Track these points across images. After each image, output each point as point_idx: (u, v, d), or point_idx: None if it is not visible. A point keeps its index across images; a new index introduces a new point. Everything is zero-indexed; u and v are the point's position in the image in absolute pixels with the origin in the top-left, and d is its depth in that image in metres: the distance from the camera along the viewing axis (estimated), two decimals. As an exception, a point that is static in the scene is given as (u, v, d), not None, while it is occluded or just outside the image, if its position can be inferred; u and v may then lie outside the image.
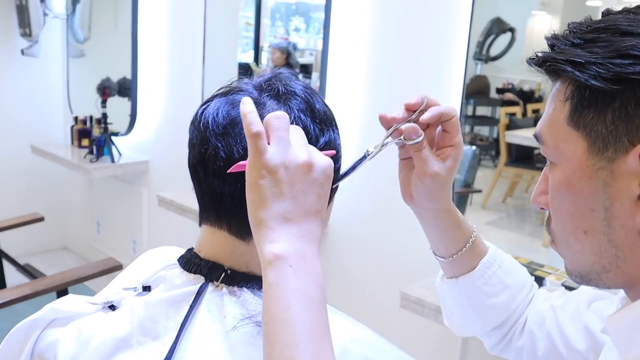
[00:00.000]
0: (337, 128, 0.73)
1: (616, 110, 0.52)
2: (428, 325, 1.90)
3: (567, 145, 0.56)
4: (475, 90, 2.46)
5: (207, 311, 0.67)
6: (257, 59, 3.83)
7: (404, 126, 0.71)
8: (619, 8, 0.57)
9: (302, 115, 0.68)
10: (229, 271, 0.69)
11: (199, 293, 0.68)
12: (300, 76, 3.18)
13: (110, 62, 3.43)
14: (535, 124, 0.61)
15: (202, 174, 0.69)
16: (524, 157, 2.60)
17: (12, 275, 3.04)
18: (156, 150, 3.23)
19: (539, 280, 1.76)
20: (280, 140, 0.60)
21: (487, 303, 0.84)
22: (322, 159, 0.61)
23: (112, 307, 0.74)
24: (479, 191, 2.58)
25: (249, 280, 0.69)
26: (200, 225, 0.73)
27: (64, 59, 3.71)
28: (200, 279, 0.69)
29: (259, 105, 0.68)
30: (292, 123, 0.67)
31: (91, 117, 3.37)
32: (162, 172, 3.21)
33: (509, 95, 2.64)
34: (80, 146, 3.35)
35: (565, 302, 0.83)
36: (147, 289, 0.73)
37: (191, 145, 0.70)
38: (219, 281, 0.69)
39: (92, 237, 3.85)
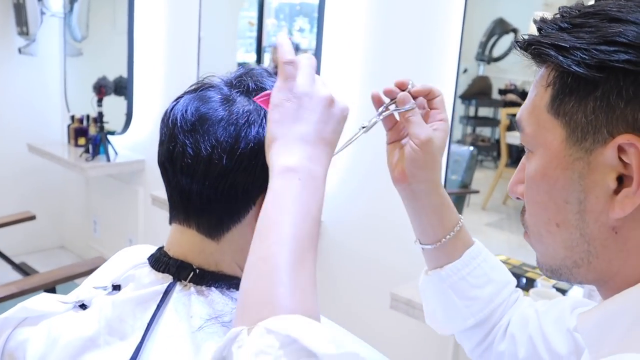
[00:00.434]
0: None
1: (597, 99, 0.50)
2: (418, 326, 1.89)
3: (546, 133, 0.55)
4: (478, 91, 2.45)
5: (174, 311, 0.66)
6: (259, 59, 3.83)
7: (397, 96, 0.76)
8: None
9: None
10: (197, 270, 0.68)
11: (167, 292, 0.67)
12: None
13: (108, 61, 3.43)
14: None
15: (171, 171, 0.68)
16: (525, 159, 2.57)
17: (8, 274, 3.04)
18: (152, 149, 3.22)
19: (531, 282, 1.75)
20: (308, 76, 0.64)
21: (470, 294, 0.82)
22: (342, 101, 0.65)
23: (83, 306, 0.73)
24: (477, 192, 2.57)
25: (218, 279, 0.68)
26: (170, 223, 0.72)
27: (61, 57, 3.71)
28: (169, 278, 0.68)
29: (229, 102, 0.67)
30: (262, 120, 0.66)
31: (88, 116, 3.37)
32: (158, 171, 3.16)
33: (511, 97, 2.62)
34: (76, 145, 3.35)
35: (549, 308, 0.81)
36: (117, 287, 0.73)
37: (160, 142, 0.70)
38: (187, 280, 0.68)
39: (89, 236, 3.85)
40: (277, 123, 0.62)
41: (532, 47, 0.55)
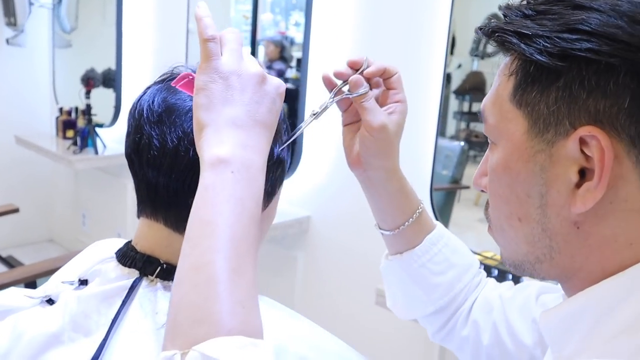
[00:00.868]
0: (283, 116, 0.70)
1: (560, 90, 0.48)
2: (404, 322, 1.88)
3: (508, 124, 0.53)
4: (472, 86, 2.43)
5: (140, 307, 0.65)
6: (253, 52, 3.81)
7: (349, 79, 0.71)
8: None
9: None
10: (165, 265, 0.67)
11: (132, 288, 0.66)
12: (294, 70, 3.16)
13: (98, 53, 3.39)
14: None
15: (137, 164, 0.67)
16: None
17: (-7, 267, 3.02)
18: (141, 142, 3.19)
19: (516, 279, 1.74)
20: (233, 52, 0.58)
21: (431, 281, 0.81)
22: (275, 78, 0.61)
23: (50, 301, 0.71)
24: (467, 187, 2.56)
25: None
26: (138, 217, 0.70)
27: (50, 49, 3.67)
28: (135, 273, 0.67)
29: None
30: None
31: (76, 108, 3.33)
32: (146, 164, 3.17)
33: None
34: (65, 137, 3.32)
35: (514, 294, 0.79)
36: (84, 282, 0.71)
37: (127, 134, 0.68)
38: (154, 276, 0.66)
39: (78, 229, 3.82)
40: (204, 108, 0.56)
41: (495, 35, 0.52)
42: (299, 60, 3.74)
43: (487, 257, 1.70)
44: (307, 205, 2.29)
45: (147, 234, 0.68)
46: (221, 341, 0.46)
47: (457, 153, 2.56)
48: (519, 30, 0.50)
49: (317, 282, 2.32)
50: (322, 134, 2.17)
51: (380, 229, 0.82)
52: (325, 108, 0.71)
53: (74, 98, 3.31)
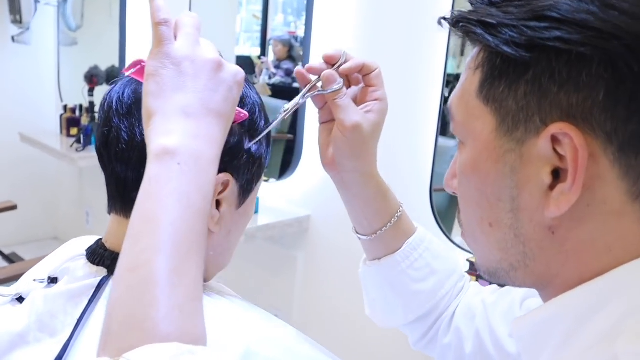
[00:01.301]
0: (259, 112, 0.67)
1: (529, 83, 0.44)
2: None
3: (475, 121, 0.48)
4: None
5: (106, 306, 0.62)
6: (264, 52, 3.80)
7: (322, 74, 0.67)
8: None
9: None
10: None
11: (100, 286, 0.63)
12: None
13: (104, 51, 3.39)
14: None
15: (106, 157, 0.65)
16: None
17: (-4, 264, 3.02)
18: (144, 140, 3.18)
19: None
20: (189, 37, 0.55)
21: (411, 289, 0.76)
22: (233, 65, 0.57)
23: (21, 300, 0.69)
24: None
25: None
26: (109, 213, 0.68)
27: (55, 46, 3.67)
28: (103, 272, 0.65)
29: None
30: None
31: (81, 106, 3.33)
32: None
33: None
34: (69, 135, 3.31)
35: (498, 299, 0.75)
36: (54, 280, 0.69)
37: (97, 127, 0.66)
38: None
39: (82, 227, 3.82)
40: (153, 95, 0.52)
41: (460, 25, 0.48)
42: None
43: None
44: (307, 205, 2.27)
45: (117, 231, 0.66)
46: (154, 348, 0.43)
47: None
48: (483, 19, 0.46)
49: (317, 282, 2.30)
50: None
51: (357, 232, 0.78)
52: (297, 105, 0.67)
53: (79, 96, 3.31)
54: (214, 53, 0.56)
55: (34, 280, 0.70)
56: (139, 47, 3.11)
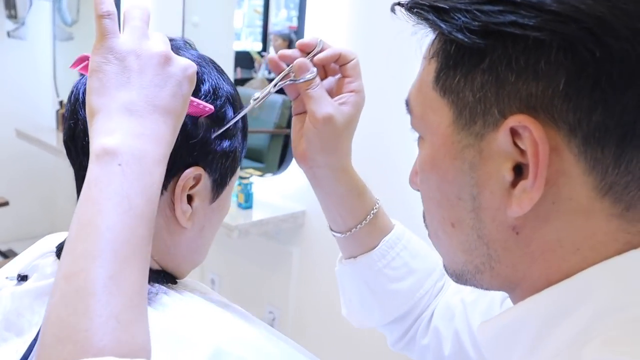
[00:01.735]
0: (231, 105, 0.65)
1: (485, 73, 0.41)
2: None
3: (433, 115, 0.45)
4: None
5: None
6: (265, 47, 3.79)
7: (294, 62, 0.64)
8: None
9: None
10: None
11: None
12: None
13: (98, 46, 3.36)
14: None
15: (74, 151, 0.63)
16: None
17: (-9, 261, 3.01)
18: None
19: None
20: (135, 30, 0.52)
21: (388, 288, 0.74)
22: (184, 58, 0.54)
23: None
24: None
25: None
26: (78, 209, 0.66)
27: (51, 41, 3.65)
28: (72, 269, 0.62)
29: None
30: None
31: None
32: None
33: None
34: (64, 131, 3.30)
35: (477, 298, 0.72)
36: (24, 278, 0.67)
37: (64, 120, 0.64)
38: None
39: (79, 223, 3.81)
40: (97, 93, 0.50)
41: (414, 10, 0.45)
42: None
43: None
44: (302, 200, 2.25)
45: (86, 227, 0.64)
46: None
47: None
48: (435, 4, 0.43)
49: (313, 277, 2.28)
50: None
51: (331, 230, 0.76)
52: (268, 94, 0.65)
53: (74, 91, 3.29)
54: (162, 46, 0.53)
55: (6, 277, 0.69)
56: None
